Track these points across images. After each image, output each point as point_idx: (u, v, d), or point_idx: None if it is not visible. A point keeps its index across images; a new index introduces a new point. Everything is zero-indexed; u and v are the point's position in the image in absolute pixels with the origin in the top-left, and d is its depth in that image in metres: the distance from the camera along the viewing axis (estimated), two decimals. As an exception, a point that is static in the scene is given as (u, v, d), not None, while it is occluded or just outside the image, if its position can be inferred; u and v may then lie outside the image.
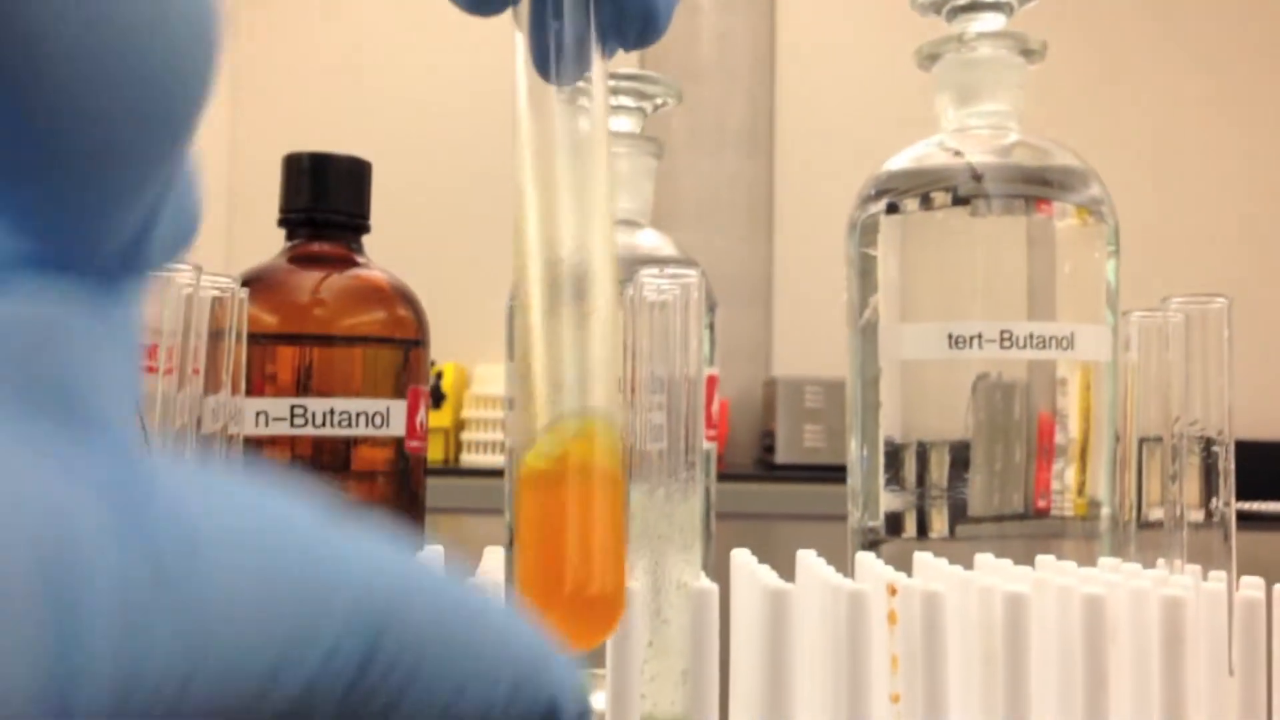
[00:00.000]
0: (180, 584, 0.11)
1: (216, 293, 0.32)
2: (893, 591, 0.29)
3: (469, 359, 2.61)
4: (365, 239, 0.51)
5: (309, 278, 0.48)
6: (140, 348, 0.15)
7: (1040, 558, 0.35)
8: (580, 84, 0.22)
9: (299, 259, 0.49)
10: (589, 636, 0.19)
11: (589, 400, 0.20)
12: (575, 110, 0.22)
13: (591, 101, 0.22)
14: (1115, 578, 0.30)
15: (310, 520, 0.13)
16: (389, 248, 0.65)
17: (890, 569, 0.31)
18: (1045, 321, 0.44)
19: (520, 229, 0.21)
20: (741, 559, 0.32)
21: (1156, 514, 0.36)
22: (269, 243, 0.50)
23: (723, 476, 0.51)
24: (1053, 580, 0.29)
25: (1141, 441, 0.37)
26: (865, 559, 0.33)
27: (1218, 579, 0.31)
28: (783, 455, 2.30)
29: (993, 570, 0.33)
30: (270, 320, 0.46)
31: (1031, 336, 0.44)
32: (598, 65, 0.22)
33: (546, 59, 0.22)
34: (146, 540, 0.11)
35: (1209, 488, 0.34)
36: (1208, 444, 0.34)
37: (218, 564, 0.12)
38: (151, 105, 0.13)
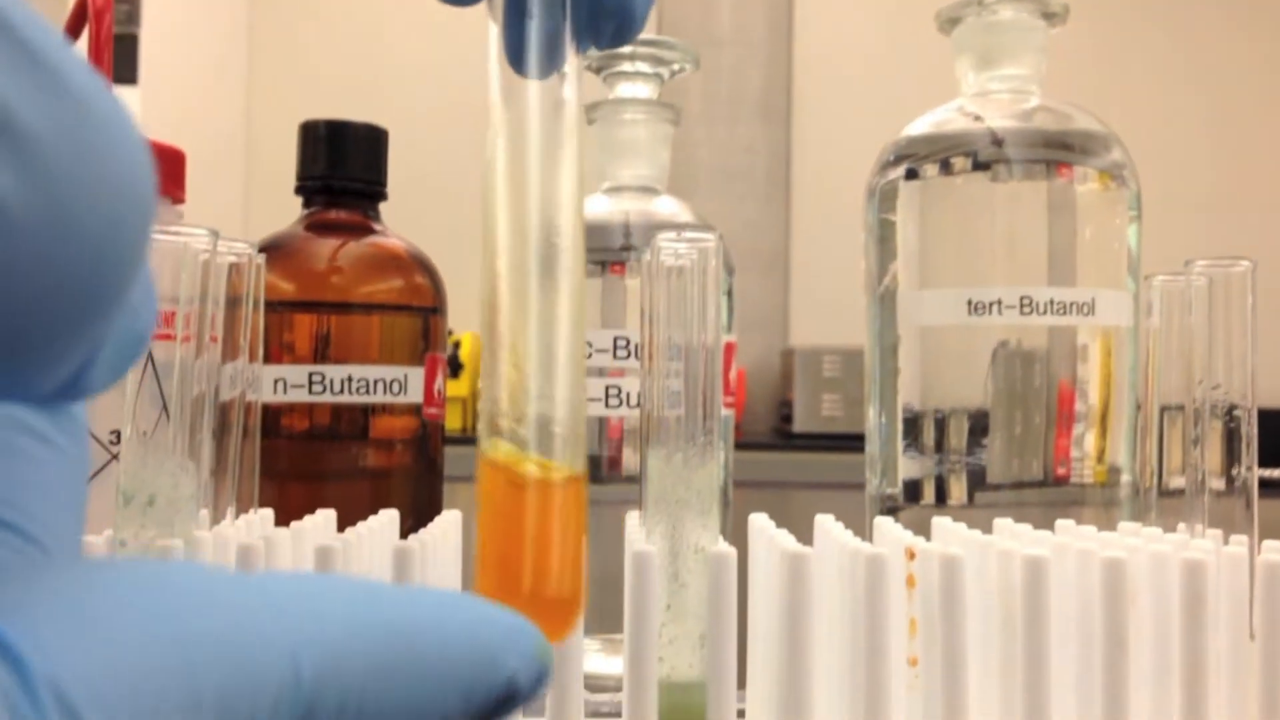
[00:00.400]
0: None
1: (234, 259, 0.32)
2: (911, 555, 0.29)
3: (487, 329, 2.61)
4: (382, 207, 0.51)
5: (326, 245, 0.48)
6: (85, 459, 0.15)
7: (1060, 523, 0.34)
8: (554, 78, 0.22)
9: (316, 226, 0.49)
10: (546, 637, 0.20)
11: (555, 380, 0.21)
12: (548, 104, 0.22)
13: (565, 96, 0.22)
14: (1136, 542, 0.30)
15: (214, 594, 0.13)
16: (406, 215, 0.65)
17: (909, 533, 0.31)
18: (1066, 287, 0.44)
19: (490, 226, 0.21)
20: (760, 523, 0.32)
21: (1177, 481, 0.35)
22: (286, 210, 0.50)
23: (740, 445, 0.51)
24: (1072, 544, 0.29)
25: (1163, 408, 0.36)
26: (884, 523, 0.33)
27: (1239, 544, 0.31)
28: (800, 424, 2.30)
29: (1012, 535, 0.33)
30: (288, 287, 0.46)
31: (1052, 302, 0.43)
32: (571, 61, 0.22)
33: (520, 53, 0.22)
34: None
35: (1231, 454, 0.34)
36: (1230, 410, 0.34)
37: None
38: (85, 282, 0.12)
